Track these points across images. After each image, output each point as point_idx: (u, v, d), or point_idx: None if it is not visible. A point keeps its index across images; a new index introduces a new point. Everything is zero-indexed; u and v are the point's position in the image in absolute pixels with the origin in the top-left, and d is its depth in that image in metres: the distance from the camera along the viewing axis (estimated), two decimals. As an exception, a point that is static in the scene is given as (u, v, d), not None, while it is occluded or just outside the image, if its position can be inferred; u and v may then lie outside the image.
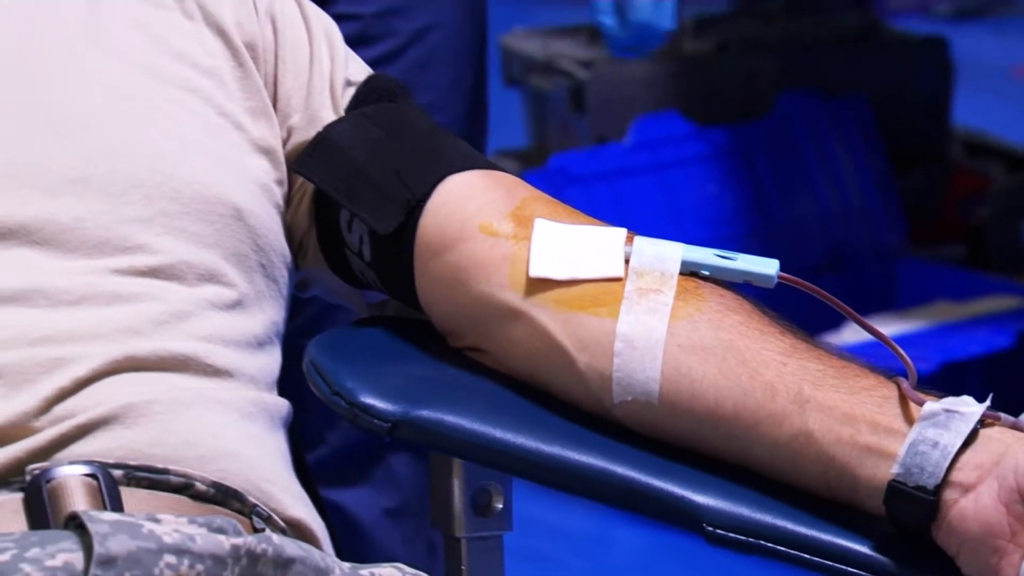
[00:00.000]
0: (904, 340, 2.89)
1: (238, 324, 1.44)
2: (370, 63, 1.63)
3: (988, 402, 1.31)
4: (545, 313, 1.42)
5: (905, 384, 1.33)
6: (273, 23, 1.55)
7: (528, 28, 3.75)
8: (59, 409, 1.34)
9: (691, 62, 3.55)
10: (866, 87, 3.46)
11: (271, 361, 1.47)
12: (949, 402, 1.31)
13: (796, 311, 1.42)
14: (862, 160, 3.39)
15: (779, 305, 1.43)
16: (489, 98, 2.21)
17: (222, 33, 1.52)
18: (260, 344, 1.46)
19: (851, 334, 2.79)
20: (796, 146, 3.37)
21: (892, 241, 3.37)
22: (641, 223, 3.20)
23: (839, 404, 1.33)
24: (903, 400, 1.32)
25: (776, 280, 1.42)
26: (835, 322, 2.80)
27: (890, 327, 3.00)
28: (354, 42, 1.71)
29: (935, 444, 1.29)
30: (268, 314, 1.48)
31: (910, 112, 3.54)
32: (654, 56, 3.50)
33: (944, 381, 1.82)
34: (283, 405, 1.46)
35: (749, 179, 3.33)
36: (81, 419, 1.34)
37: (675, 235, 3.24)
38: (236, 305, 1.45)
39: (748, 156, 3.34)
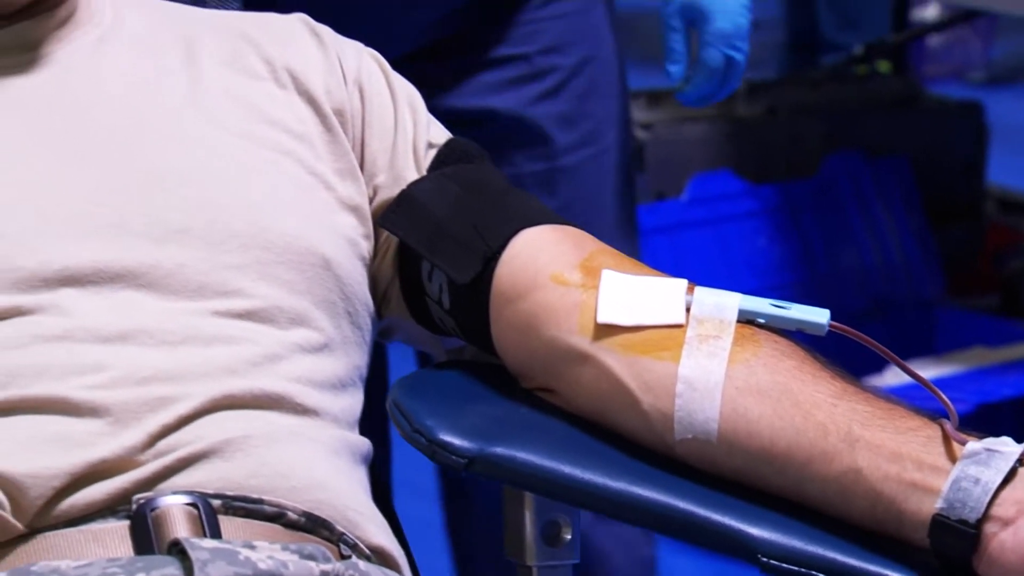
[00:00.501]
0: (942, 383, 2.87)
1: (325, 367, 1.45)
2: (538, 97, 1.63)
3: None
4: (612, 357, 1.42)
5: (948, 425, 1.33)
6: (360, 91, 1.56)
7: (591, 92, 3.74)
8: (163, 444, 1.34)
9: (743, 125, 3.54)
10: (906, 148, 3.45)
11: (354, 403, 1.48)
12: (990, 442, 1.31)
13: (844, 355, 1.42)
14: (902, 216, 3.37)
15: (829, 350, 1.43)
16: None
17: (312, 101, 1.53)
18: (344, 386, 1.47)
19: (893, 377, 2.77)
20: (841, 203, 3.36)
21: (931, 291, 3.35)
22: (697, 273, 3.20)
23: (886, 443, 1.33)
24: (946, 440, 1.32)
25: (827, 328, 1.42)
26: (878, 366, 2.79)
27: (929, 371, 2.99)
28: (524, 80, 1.73)
29: (976, 481, 1.28)
30: (352, 358, 1.49)
31: (947, 171, 3.52)
32: (709, 119, 3.51)
33: (979, 421, 1.81)
34: (364, 443, 1.46)
35: (797, 233, 3.32)
36: (183, 453, 1.34)
37: (728, 284, 3.23)
38: (323, 349, 1.45)
39: (796, 212, 3.33)
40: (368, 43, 1.62)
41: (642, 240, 3.28)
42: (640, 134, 3.53)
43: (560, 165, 2.09)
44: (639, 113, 3.59)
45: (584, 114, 2.08)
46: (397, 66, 1.62)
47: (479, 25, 2.06)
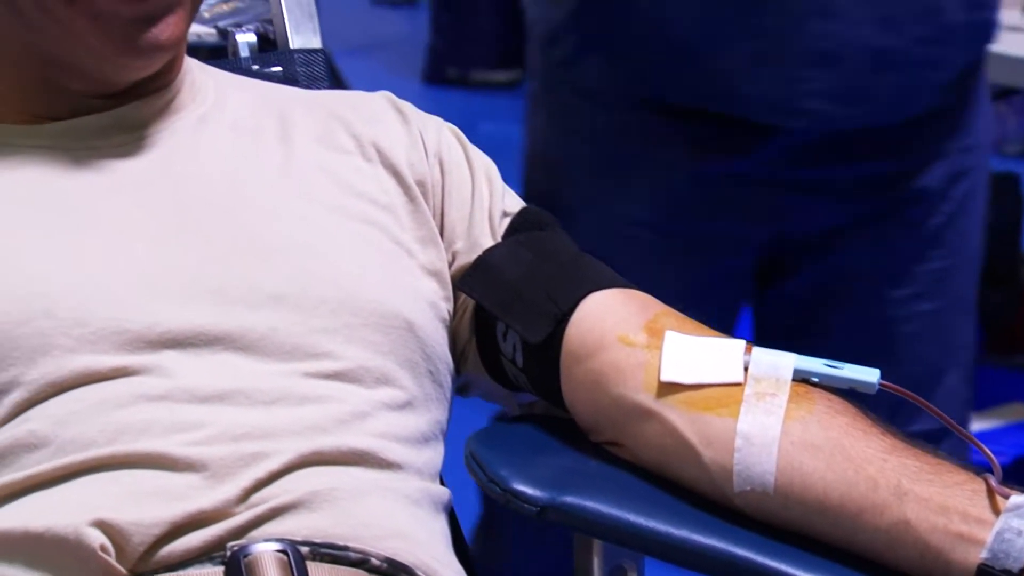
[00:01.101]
0: (983, 436, 2.85)
1: (408, 423, 1.45)
2: None
3: None
4: (675, 413, 1.41)
5: (992, 480, 1.32)
6: (440, 163, 1.56)
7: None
8: (255, 497, 1.34)
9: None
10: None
11: (435, 455, 1.48)
12: None
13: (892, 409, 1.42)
14: (945, 280, 3.35)
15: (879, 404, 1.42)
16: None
17: (396, 174, 1.54)
18: (426, 440, 1.47)
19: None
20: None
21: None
22: (749, 327, 3.19)
23: (934, 496, 1.32)
24: (991, 493, 1.31)
25: (877, 387, 1.41)
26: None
27: (971, 425, 2.97)
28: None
29: (1020, 533, 1.28)
30: (434, 414, 1.49)
31: (986, 239, 3.51)
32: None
33: (1018, 473, 1.80)
34: (445, 493, 1.46)
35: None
36: (274, 504, 1.34)
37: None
38: (407, 406, 1.45)
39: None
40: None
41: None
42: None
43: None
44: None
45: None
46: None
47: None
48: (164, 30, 1.45)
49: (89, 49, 1.44)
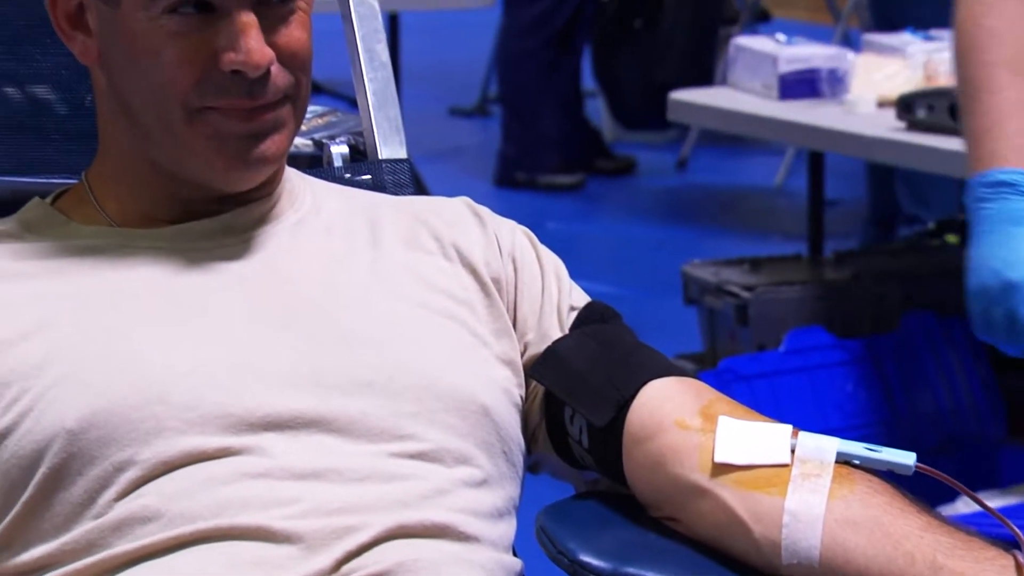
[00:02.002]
0: (1006, 512, 2.81)
1: (485, 499, 1.44)
2: None
3: None
4: (727, 491, 1.40)
5: (1020, 556, 1.32)
6: (514, 262, 1.56)
7: (703, 260, 3.75)
8: (346, 567, 1.34)
9: (833, 288, 3.53)
10: (973, 309, 3.42)
11: (509, 529, 1.47)
12: None
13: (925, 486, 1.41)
14: (970, 367, 3.33)
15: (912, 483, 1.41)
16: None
17: (474, 272, 1.53)
18: (501, 515, 1.46)
19: (964, 506, 2.74)
20: (917, 355, 3.33)
21: (995, 431, 3.30)
22: (793, 413, 3.18)
23: (967, 571, 1.31)
24: (1018, 567, 1.31)
25: (914, 469, 1.41)
26: (952, 496, 2.76)
27: (995, 501, 2.94)
28: None
29: None
30: (507, 490, 1.48)
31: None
32: (803, 284, 3.49)
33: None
34: (517, 564, 1.45)
35: (879, 380, 3.29)
36: (363, 574, 1.34)
37: (819, 424, 3.22)
38: (483, 484, 1.45)
39: (878, 362, 3.30)
40: None
41: (744, 385, 3.28)
42: (744, 295, 3.53)
43: None
44: (742, 277, 3.59)
45: None
46: None
47: None
48: (271, 146, 1.46)
49: (204, 163, 1.45)
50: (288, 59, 1.44)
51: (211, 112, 1.43)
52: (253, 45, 1.41)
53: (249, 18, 1.41)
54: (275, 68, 1.43)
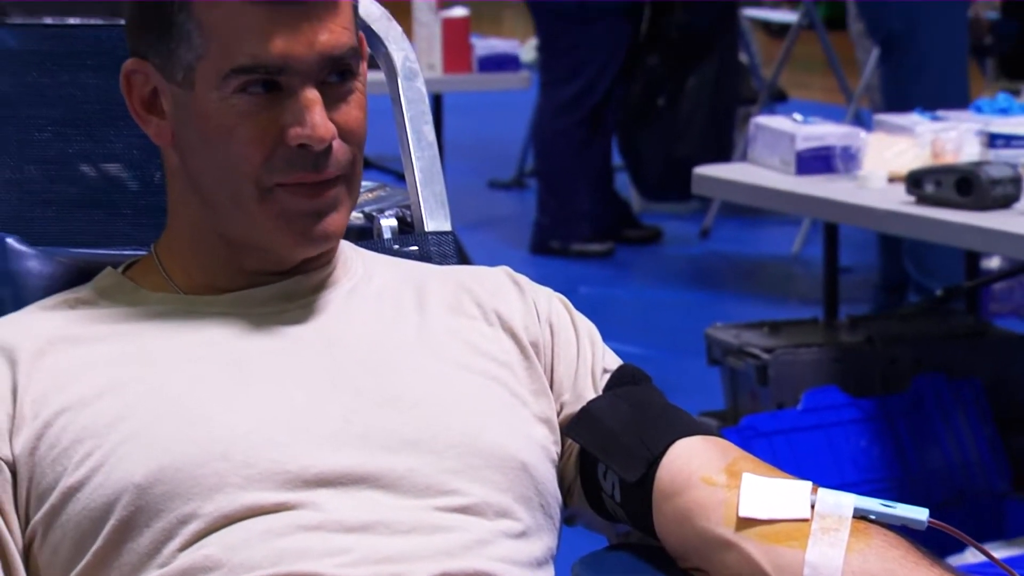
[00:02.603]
0: (1011, 562, 2.80)
1: (524, 549, 1.43)
2: None
3: None
4: (751, 544, 1.39)
5: (1026, 606, 1.30)
6: (551, 327, 1.56)
7: (725, 323, 3.74)
8: None
9: (847, 350, 3.51)
10: (979, 372, 3.40)
11: None
12: None
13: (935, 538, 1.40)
14: (977, 425, 3.31)
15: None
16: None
17: (514, 336, 1.53)
18: (539, 564, 1.45)
19: (972, 556, 2.72)
20: (927, 414, 3.31)
21: (1000, 486, 3.28)
22: (811, 468, 3.16)
23: None
24: None
25: (927, 524, 1.39)
26: (961, 547, 2.74)
27: (1000, 552, 2.92)
28: None
29: None
30: (545, 541, 1.47)
31: (1012, 390, 3.47)
32: (819, 346, 3.48)
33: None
34: None
35: (892, 438, 3.27)
36: None
37: (836, 478, 3.19)
38: (522, 535, 1.44)
39: (891, 421, 3.28)
40: None
41: (765, 441, 3.27)
42: (764, 356, 3.52)
43: None
44: (762, 339, 3.58)
45: None
46: None
47: None
48: (331, 224, 1.46)
49: (273, 239, 1.46)
50: (348, 135, 1.45)
51: (279, 190, 1.44)
52: (318, 120, 1.42)
53: (314, 95, 1.42)
54: (336, 143, 1.44)
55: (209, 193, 1.46)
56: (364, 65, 1.49)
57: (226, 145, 1.43)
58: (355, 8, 1.48)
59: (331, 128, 1.43)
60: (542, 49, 5.63)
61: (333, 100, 1.44)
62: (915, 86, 4.28)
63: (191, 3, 1.42)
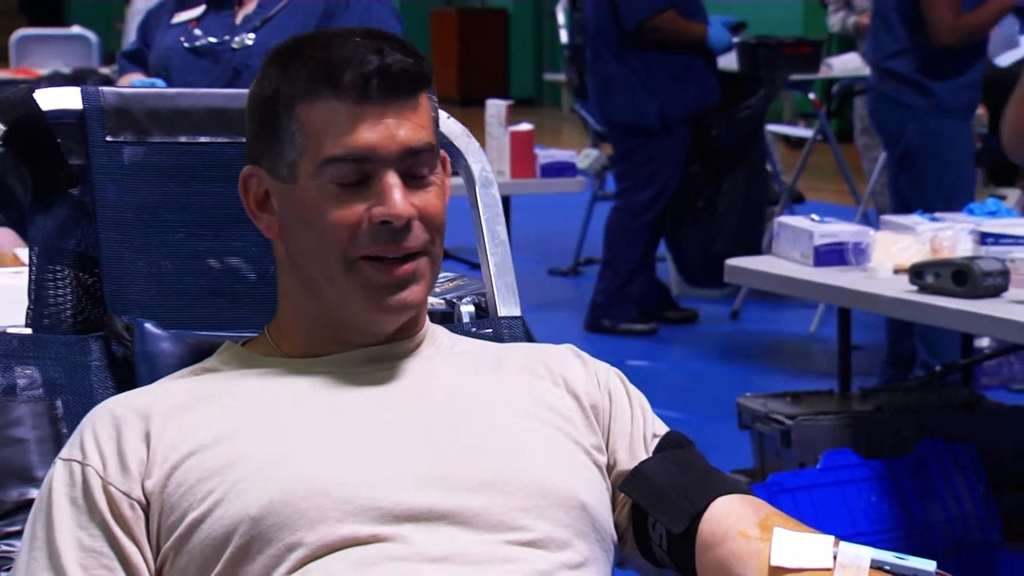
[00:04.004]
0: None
1: None
2: None
3: None
4: None
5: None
6: (609, 395, 1.55)
7: (753, 393, 3.71)
8: None
9: (859, 417, 3.48)
10: (973, 438, 3.36)
11: None
12: None
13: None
14: (973, 485, 3.27)
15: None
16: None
17: (576, 397, 1.52)
18: None
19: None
20: (929, 474, 3.26)
21: (993, 538, 3.23)
22: (828, 520, 3.11)
23: None
24: None
25: (935, 575, 1.37)
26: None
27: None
28: None
29: None
30: (601, 573, 1.45)
31: (1002, 454, 3.42)
32: (835, 414, 3.45)
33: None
34: None
35: (898, 494, 3.23)
36: None
37: (849, 528, 3.14)
38: (580, 566, 1.42)
39: (897, 480, 3.24)
40: None
41: (788, 496, 3.23)
42: (787, 422, 3.49)
43: None
44: (786, 407, 3.55)
45: None
46: None
47: None
48: (410, 295, 1.46)
49: (359, 308, 1.46)
50: (426, 218, 1.46)
51: (363, 263, 1.44)
52: (398, 199, 1.43)
53: (394, 179, 1.43)
54: (415, 223, 1.44)
55: (306, 271, 1.47)
56: (442, 167, 1.50)
57: (320, 224, 1.44)
58: (435, 118, 1.49)
59: (410, 208, 1.44)
60: (619, 161, 5.66)
61: (414, 188, 1.45)
62: (936, 191, 4.29)
63: (295, 108, 1.43)
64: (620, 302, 5.68)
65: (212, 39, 2.95)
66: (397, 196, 1.42)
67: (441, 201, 1.48)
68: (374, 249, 1.44)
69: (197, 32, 2.98)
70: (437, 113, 1.50)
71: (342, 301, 1.46)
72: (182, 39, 2.98)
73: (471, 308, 1.80)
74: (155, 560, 1.38)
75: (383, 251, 1.44)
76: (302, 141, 1.43)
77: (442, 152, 1.51)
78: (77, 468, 1.40)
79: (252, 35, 2.94)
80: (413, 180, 1.45)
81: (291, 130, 1.44)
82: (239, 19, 2.99)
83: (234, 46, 2.94)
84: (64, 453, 1.42)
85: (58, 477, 1.40)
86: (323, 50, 1.44)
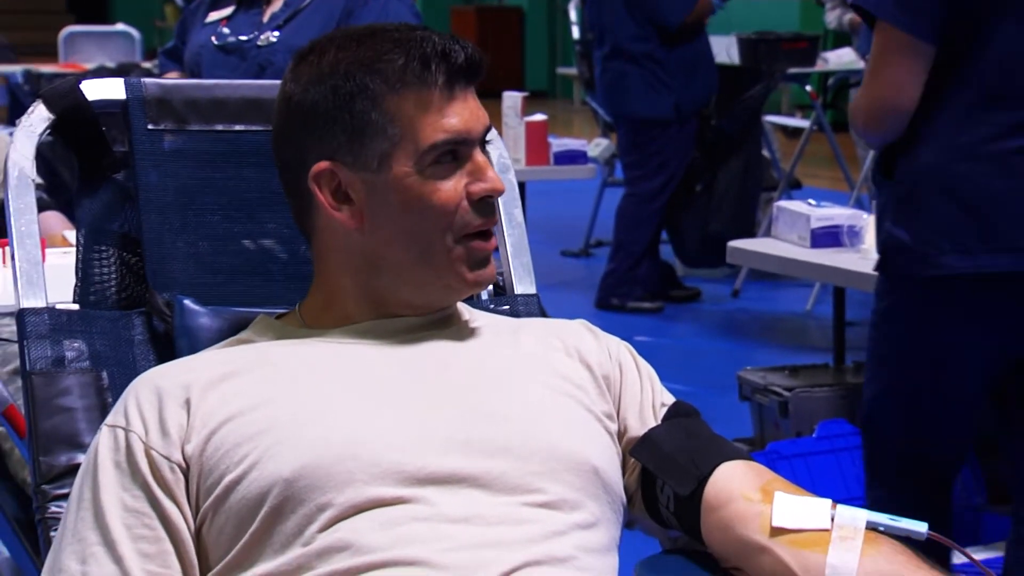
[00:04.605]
0: (988, 562, 2.75)
1: (594, 539, 1.41)
2: None
3: None
4: (782, 549, 1.37)
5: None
6: (620, 367, 1.54)
7: (753, 367, 3.71)
8: None
9: (852, 389, 3.48)
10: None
11: (613, 562, 1.44)
12: None
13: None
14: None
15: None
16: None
17: (588, 368, 1.52)
18: (607, 550, 1.43)
19: (956, 558, 2.66)
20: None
21: (978, 501, 3.22)
22: (823, 484, 3.11)
23: None
24: None
25: (926, 535, 1.37)
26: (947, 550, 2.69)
27: (979, 555, 2.87)
28: None
29: None
30: (611, 532, 1.45)
31: (985, 420, 3.41)
32: (831, 387, 3.44)
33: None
34: None
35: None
36: None
37: (843, 492, 3.12)
38: (592, 526, 1.42)
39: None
40: None
41: (786, 463, 3.22)
42: (785, 394, 3.48)
43: None
44: (783, 380, 3.54)
45: None
46: None
47: None
48: (491, 268, 1.48)
49: (446, 280, 1.47)
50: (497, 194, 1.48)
51: (468, 239, 1.45)
52: (492, 175, 1.45)
53: (483, 158, 1.46)
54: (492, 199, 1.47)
55: (393, 257, 1.46)
56: None
57: (425, 206, 1.43)
58: None
59: (501, 180, 1.46)
60: (630, 151, 5.65)
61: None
62: None
63: (383, 102, 1.42)
64: (629, 282, 5.68)
65: (241, 36, 2.95)
66: (491, 172, 1.45)
67: None
68: (480, 223, 1.45)
69: (226, 30, 2.98)
70: None
71: (432, 277, 1.45)
72: (212, 38, 2.98)
73: (489, 287, 1.80)
74: (194, 519, 1.38)
75: (484, 224, 1.45)
76: (395, 131, 1.42)
77: None
78: (121, 434, 1.40)
79: (277, 32, 2.94)
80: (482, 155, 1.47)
81: (381, 124, 1.42)
82: (266, 17, 2.99)
83: (260, 43, 2.94)
84: (109, 420, 1.42)
85: (103, 442, 1.40)
86: (402, 45, 1.43)
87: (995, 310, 2.25)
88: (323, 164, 1.45)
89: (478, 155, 1.45)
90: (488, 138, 1.49)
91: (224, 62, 2.96)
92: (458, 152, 1.44)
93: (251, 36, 2.96)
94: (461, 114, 1.44)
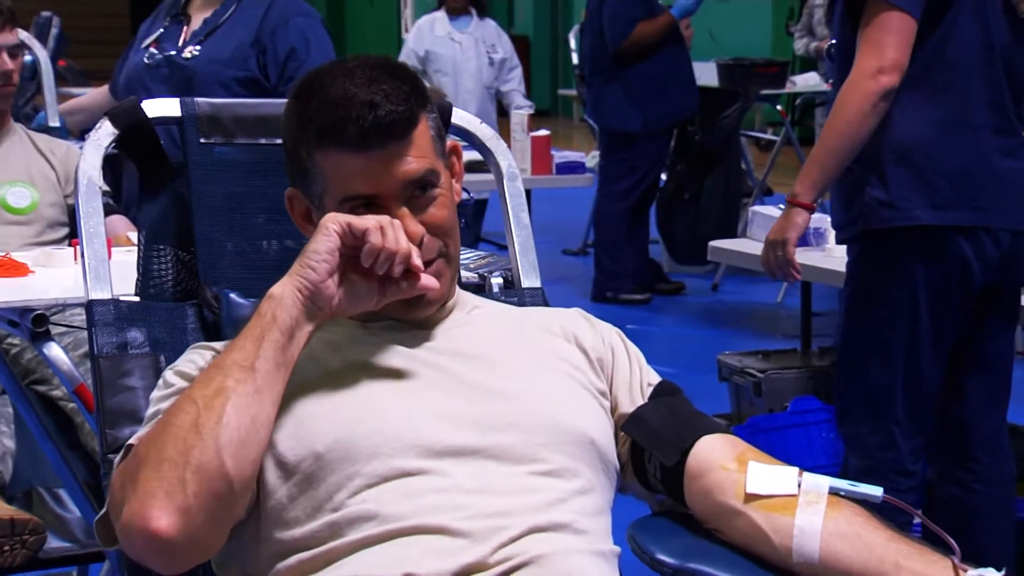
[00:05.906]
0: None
1: (590, 503, 1.41)
2: None
3: (1003, 571, 1.23)
4: (755, 513, 1.37)
5: (955, 560, 1.27)
6: (612, 350, 1.53)
7: (730, 352, 3.70)
8: (499, 555, 1.31)
9: (819, 371, 3.47)
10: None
11: (607, 524, 1.43)
12: (980, 571, 1.25)
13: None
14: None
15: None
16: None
17: (584, 351, 1.51)
18: (602, 513, 1.43)
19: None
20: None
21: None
22: (794, 455, 3.10)
23: (921, 570, 1.28)
24: (955, 568, 1.27)
25: (882, 499, 1.36)
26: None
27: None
28: None
29: None
30: (606, 497, 1.44)
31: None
32: (799, 369, 3.43)
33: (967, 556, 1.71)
34: (616, 549, 1.41)
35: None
36: (514, 562, 1.31)
37: (811, 461, 3.11)
38: (589, 491, 1.41)
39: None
40: None
41: (762, 436, 3.22)
42: (759, 375, 3.47)
43: None
44: (758, 363, 3.53)
45: None
46: None
47: None
48: (434, 295, 1.45)
49: (392, 310, 1.45)
50: (435, 230, 1.43)
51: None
52: (410, 229, 1.40)
53: (402, 211, 1.41)
54: (427, 238, 1.42)
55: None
56: (448, 174, 1.46)
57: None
58: (435, 134, 1.44)
59: (420, 230, 1.41)
60: (604, 156, 5.67)
61: (421, 207, 1.42)
62: None
63: (314, 154, 1.42)
64: (618, 276, 5.69)
65: (169, 53, 3.00)
66: (411, 227, 1.39)
67: (446, 209, 1.44)
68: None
69: (155, 51, 3.03)
70: (439, 123, 1.46)
71: (380, 307, 1.43)
72: (145, 58, 3.04)
73: (500, 280, 1.80)
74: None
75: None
76: (322, 181, 1.42)
77: (452, 141, 1.49)
78: (177, 376, 1.41)
79: (197, 47, 2.97)
80: (418, 200, 1.42)
81: (314, 172, 1.43)
82: (188, 35, 3.02)
83: (185, 56, 2.98)
84: (168, 369, 1.44)
85: (162, 382, 1.43)
86: (325, 106, 1.39)
87: (953, 253, 2.32)
88: (292, 190, 1.47)
89: (397, 209, 1.40)
90: (495, 149, 1.47)
91: (155, 75, 3.00)
92: (373, 206, 1.41)
93: (175, 52, 3.00)
94: (368, 175, 1.39)
